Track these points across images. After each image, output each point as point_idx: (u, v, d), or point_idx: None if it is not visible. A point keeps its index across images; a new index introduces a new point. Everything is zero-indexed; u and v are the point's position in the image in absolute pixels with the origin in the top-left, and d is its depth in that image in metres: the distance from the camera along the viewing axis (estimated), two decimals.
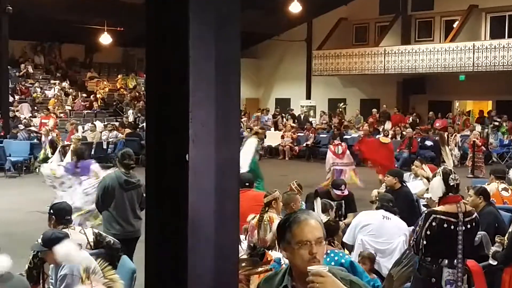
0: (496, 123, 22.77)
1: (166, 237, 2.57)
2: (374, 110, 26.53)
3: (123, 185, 7.11)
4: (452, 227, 5.05)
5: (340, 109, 27.07)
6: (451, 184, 5.11)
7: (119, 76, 29.73)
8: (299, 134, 24.66)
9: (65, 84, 28.09)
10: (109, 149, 20.08)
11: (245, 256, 4.50)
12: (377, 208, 7.29)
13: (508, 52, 23.52)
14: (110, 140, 20.47)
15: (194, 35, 2.45)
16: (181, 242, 2.50)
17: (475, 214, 5.30)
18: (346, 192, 8.82)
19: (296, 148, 23.85)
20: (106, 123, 22.79)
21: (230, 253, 2.71)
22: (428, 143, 20.65)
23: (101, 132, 20.85)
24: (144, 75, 20.56)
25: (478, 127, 22.20)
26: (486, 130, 22.87)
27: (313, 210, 6.10)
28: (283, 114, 28.62)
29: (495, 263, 5.69)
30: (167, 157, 2.56)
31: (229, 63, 2.63)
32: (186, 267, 2.50)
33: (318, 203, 5.03)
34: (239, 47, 2.70)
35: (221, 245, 2.61)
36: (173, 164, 2.53)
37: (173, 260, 2.56)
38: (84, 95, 27.73)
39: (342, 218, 8.43)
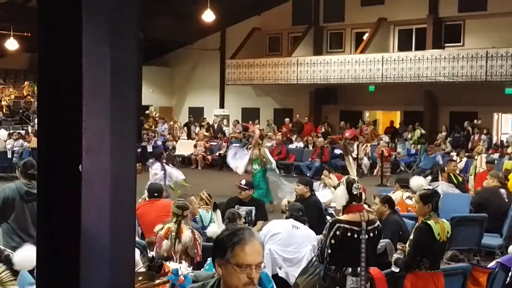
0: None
1: (57, 251, 2.46)
2: (287, 119, 26.80)
3: (24, 196, 6.82)
4: (356, 235, 5.14)
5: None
6: (355, 193, 5.20)
7: (26, 83, 28.76)
8: (212, 143, 24.62)
9: None
10: (14, 159, 19.35)
11: (142, 269, 4.41)
12: (286, 218, 7.34)
13: (414, 64, 24.30)
14: (16, 149, 19.74)
15: (88, 41, 2.36)
16: (74, 256, 2.40)
17: (377, 222, 5.41)
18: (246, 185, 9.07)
19: (209, 157, 23.79)
20: (11, 131, 21.96)
21: (126, 267, 2.62)
22: (339, 152, 21.07)
23: (5, 141, 20.09)
24: None
25: (386, 138, 22.82)
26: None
27: (222, 219, 6.07)
28: (178, 123, 28.13)
29: (397, 270, 5.83)
30: (59, 168, 2.45)
31: (125, 72, 2.54)
32: (78, 282, 2.40)
33: (218, 215, 4.99)
34: (137, 56, 2.62)
35: (117, 259, 2.52)
36: (65, 175, 2.42)
37: (65, 276, 2.46)
38: None
39: (252, 226, 8.43)
